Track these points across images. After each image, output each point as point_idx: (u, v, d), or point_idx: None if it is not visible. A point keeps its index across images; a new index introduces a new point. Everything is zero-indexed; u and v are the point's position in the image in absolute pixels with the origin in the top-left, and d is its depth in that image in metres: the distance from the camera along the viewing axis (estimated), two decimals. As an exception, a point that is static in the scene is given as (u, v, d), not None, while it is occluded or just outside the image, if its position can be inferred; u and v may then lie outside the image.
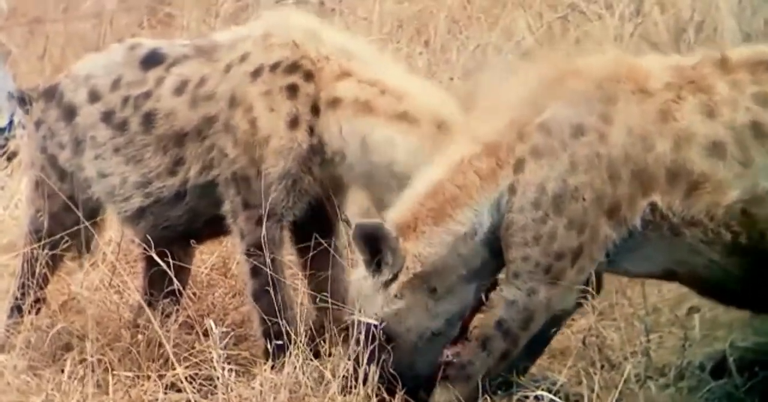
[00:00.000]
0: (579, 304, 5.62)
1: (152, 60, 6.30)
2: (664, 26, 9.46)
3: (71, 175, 6.39)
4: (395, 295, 5.47)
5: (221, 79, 6.15)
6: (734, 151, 5.25)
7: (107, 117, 6.32)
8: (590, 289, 5.51)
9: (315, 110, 6.05)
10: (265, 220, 5.97)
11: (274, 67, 6.08)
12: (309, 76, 6.07)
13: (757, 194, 5.24)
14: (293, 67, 6.08)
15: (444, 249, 5.45)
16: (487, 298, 5.55)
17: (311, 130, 6.03)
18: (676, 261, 5.37)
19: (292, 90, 6.05)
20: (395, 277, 5.45)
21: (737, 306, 5.72)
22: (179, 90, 6.19)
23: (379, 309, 5.45)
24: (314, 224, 6.14)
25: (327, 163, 6.05)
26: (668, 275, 5.49)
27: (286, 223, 6.09)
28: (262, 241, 5.94)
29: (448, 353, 5.61)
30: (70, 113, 6.42)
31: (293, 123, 6.03)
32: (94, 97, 6.37)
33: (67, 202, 6.38)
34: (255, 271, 6.05)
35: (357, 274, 5.57)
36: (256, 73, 6.09)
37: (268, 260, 5.94)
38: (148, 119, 6.22)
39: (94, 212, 6.44)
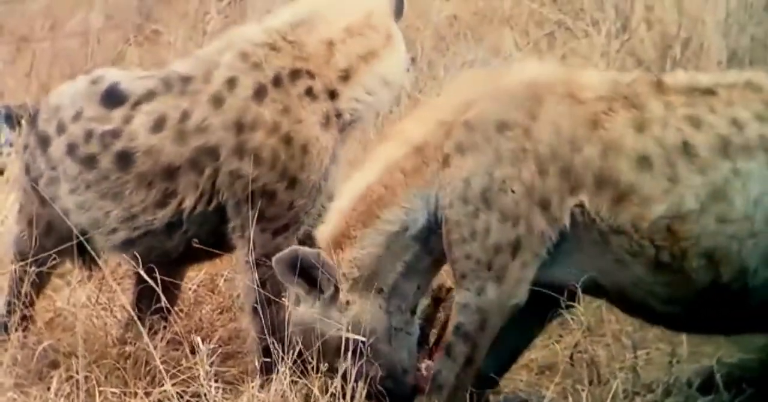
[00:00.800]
0: (565, 319, 5.65)
1: (113, 97, 6.26)
2: (651, 43, 9.50)
3: (52, 200, 6.36)
4: (346, 303, 5.50)
5: (212, 111, 6.10)
6: (662, 168, 5.28)
7: (71, 150, 6.27)
8: (577, 304, 5.52)
9: (334, 96, 6.10)
10: (280, 231, 6.00)
11: (276, 82, 6.09)
12: (311, 73, 6.11)
13: (681, 212, 5.25)
14: (294, 73, 6.10)
15: (377, 249, 5.49)
16: (436, 309, 5.64)
17: (338, 116, 6.09)
18: (603, 272, 5.38)
19: (309, 93, 6.08)
20: (337, 289, 5.48)
21: (660, 325, 5.77)
22: (157, 127, 6.13)
23: (337, 322, 5.47)
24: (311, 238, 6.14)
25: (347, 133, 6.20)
26: (594, 289, 5.48)
27: (301, 231, 6.07)
28: (276, 252, 5.90)
29: (422, 366, 5.66)
30: (44, 143, 6.40)
31: (325, 124, 6.08)
32: (61, 129, 6.35)
33: (46, 225, 6.37)
34: (260, 283, 6.02)
35: (301, 310, 5.57)
36: (259, 94, 6.08)
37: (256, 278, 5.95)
38: (124, 158, 6.17)
39: (77, 238, 6.40)
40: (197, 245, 6.16)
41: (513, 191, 5.32)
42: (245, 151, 6.05)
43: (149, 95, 6.21)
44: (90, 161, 6.23)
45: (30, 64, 10.75)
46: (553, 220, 5.33)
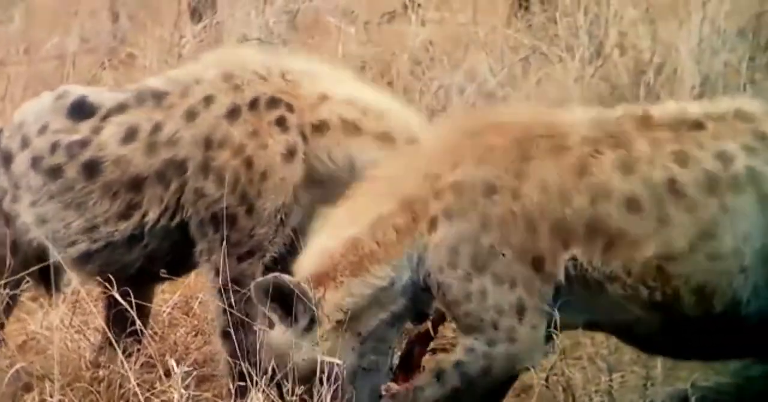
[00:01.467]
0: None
1: (81, 110, 6.27)
2: (624, 68, 9.54)
3: (15, 219, 6.34)
4: (321, 337, 5.46)
5: (184, 124, 6.11)
6: (650, 208, 5.22)
7: (35, 162, 6.28)
8: (553, 329, 5.51)
9: (304, 138, 6.05)
10: (244, 257, 5.97)
11: (252, 106, 6.08)
12: (290, 106, 6.09)
13: (671, 252, 5.21)
14: (272, 101, 6.08)
15: (363, 300, 5.45)
16: (435, 331, 5.58)
17: (304, 160, 6.04)
18: (602, 314, 5.35)
19: (281, 123, 6.06)
20: (313, 320, 5.44)
21: (663, 355, 5.77)
22: (129, 138, 6.14)
23: (308, 353, 5.44)
24: (286, 261, 6.12)
25: (314, 190, 6.05)
26: (595, 327, 5.49)
27: (267, 258, 6.07)
28: (241, 277, 5.92)
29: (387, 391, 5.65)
30: (7, 160, 6.40)
31: (288, 155, 6.04)
32: (24, 143, 6.35)
33: (12, 244, 6.34)
34: (230, 307, 6.01)
35: (276, 335, 5.54)
36: (233, 114, 6.08)
37: (234, 298, 5.93)
38: (90, 168, 6.17)
39: (38, 256, 6.37)
40: (164, 275, 6.16)
41: (503, 255, 5.26)
42: (210, 169, 6.05)
43: (120, 108, 6.23)
44: (55, 172, 6.23)
45: (5, 87, 10.71)
46: (549, 277, 5.27)
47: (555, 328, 5.42)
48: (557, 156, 5.31)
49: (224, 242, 6.02)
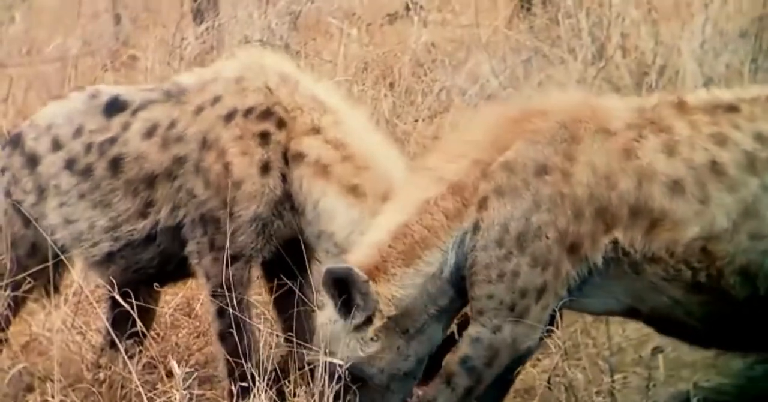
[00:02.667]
0: (543, 343, 5.62)
1: (115, 107, 6.30)
2: (627, 70, 9.53)
3: (35, 222, 6.34)
4: (371, 338, 5.44)
5: (192, 121, 6.14)
6: (693, 190, 5.30)
7: (70, 164, 6.30)
8: (555, 328, 5.51)
9: (285, 158, 6.05)
10: (230, 262, 5.95)
11: (247, 113, 6.09)
12: (281, 124, 6.08)
13: (714, 232, 5.28)
14: (266, 114, 6.08)
15: (416, 290, 5.43)
16: (460, 334, 5.54)
17: (283, 177, 6.03)
18: (638, 298, 5.39)
19: (264, 137, 6.05)
20: (369, 320, 5.43)
21: (699, 344, 5.74)
22: (149, 133, 6.18)
23: (353, 351, 5.42)
24: (284, 264, 6.12)
25: (296, 212, 6.05)
26: (630, 313, 5.51)
27: (255, 263, 6.08)
28: (229, 282, 5.93)
29: (419, 393, 5.62)
30: (32, 162, 6.40)
31: (264, 169, 6.03)
32: (56, 145, 6.36)
33: (31, 246, 6.35)
34: (221, 312, 6.03)
35: (324, 317, 5.54)
36: (229, 117, 6.09)
37: (233, 302, 5.92)
38: (116, 164, 6.20)
39: (54, 255, 6.38)
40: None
41: (547, 237, 5.31)
42: (200, 169, 6.07)
43: (148, 103, 6.25)
44: (87, 171, 6.26)
45: (7, 88, 10.71)
46: (580, 261, 5.33)
47: (557, 327, 5.46)
48: (603, 140, 5.38)
49: (210, 246, 6.03)
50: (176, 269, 6.21)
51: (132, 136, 6.21)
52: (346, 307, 5.42)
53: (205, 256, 6.06)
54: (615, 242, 5.32)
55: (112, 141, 6.24)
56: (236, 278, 5.96)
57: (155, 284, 6.27)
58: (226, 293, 5.93)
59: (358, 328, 5.44)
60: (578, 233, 5.31)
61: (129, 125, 6.24)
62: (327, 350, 5.42)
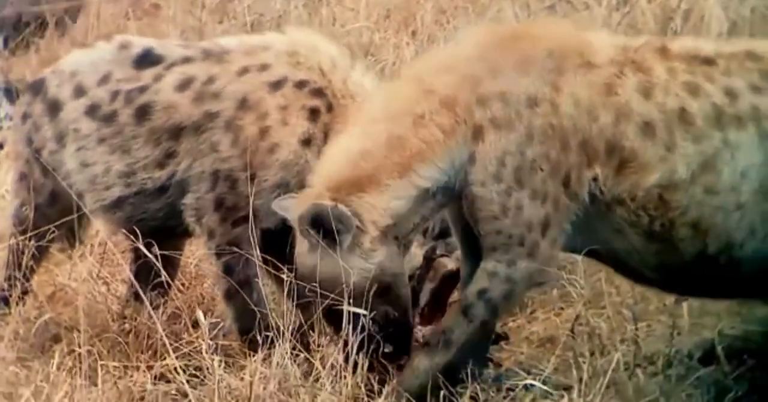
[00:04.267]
0: (559, 284, 5.71)
1: (148, 60, 6.30)
2: (651, 15, 9.46)
3: (54, 171, 6.36)
4: (370, 250, 5.49)
5: (232, 79, 6.15)
6: (662, 134, 5.36)
7: (92, 110, 6.30)
8: (578, 278, 5.53)
9: (326, 138, 6.06)
10: (239, 222, 5.98)
11: (300, 85, 6.11)
12: (330, 106, 6.10)
13: (673, 180, 5.34)
14: (319, 92, 6.11)
15: (409, 202, 5.48)
16: (428, 269, 5.62)
17: (319, 153, 6.04)
18: (602, 241, 5.46)
19: (314, 113, 6.09)
20: (360, 235, 5.45)
21: (653, 288, 5.85)
22: (183, 86, 6.19)
23: (361, 267, 5.47)
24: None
25: None
26: (589, 254, 5.55)
27: (263, 226, 6.07)
28: (238, 240, 5.95)
29: (423, 331, 5.67)
30: (54, 108, 6.41)
31: (306, 142, 6.06)
32: (79, 92, 6.36)
33: (50, 194, 6.38)
34: (227, 270, 6.06)
35: (312, 257, 5.53)
36: (277, 85, 6.10)
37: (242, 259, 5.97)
38: (143, 111, 6.21)
39: (76, 205, 6.40)
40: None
41: (542, 169, 5.36)
42: (232, 127, 6.07)
43: (185, 60, 6.26)
44: (110, 117, 6.27)
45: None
46: (574, 196, 5.38)
47: (579, 275, 5.49)
48: (587, 72, 5.43)
49: (218, 205, 6.05)
50: (177, 225, 6.21)
51: (164, 87, 6.22)
52: (329, 238, 5.44)
53: (208, 213, 6.08)
54: (595, 179, 5.38)
55: (142, 89, 6.24)
56: (244, 238, 5.96)
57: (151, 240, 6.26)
58: (233, 250, 5.94)
59: (351, 247, 5.48)
60: (567, 164, 5.36)
61: (162, 77, 6.25)
62: (336, 285, 5.43)
